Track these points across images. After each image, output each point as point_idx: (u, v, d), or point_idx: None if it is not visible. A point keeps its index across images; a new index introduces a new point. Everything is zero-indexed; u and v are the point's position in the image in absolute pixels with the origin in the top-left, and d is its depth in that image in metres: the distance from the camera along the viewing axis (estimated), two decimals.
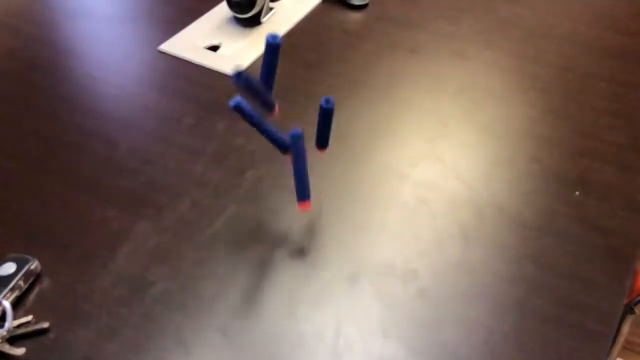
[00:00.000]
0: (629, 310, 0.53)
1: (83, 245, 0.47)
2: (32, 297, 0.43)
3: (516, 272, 0.46)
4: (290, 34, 0.72)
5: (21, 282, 0.43)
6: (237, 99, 0.43)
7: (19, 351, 0.40)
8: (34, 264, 0.44)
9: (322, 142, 0.48)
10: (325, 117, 0.46)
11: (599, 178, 0.53)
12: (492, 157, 0.56)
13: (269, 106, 0.47)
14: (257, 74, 0.65)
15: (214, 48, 0.69)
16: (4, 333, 0.40)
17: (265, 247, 0.47)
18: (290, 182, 0.52)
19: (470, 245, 0.48)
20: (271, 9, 0.75)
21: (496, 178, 0.53)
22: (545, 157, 0.55)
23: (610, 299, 0.44)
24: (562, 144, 0.57)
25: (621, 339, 0.50)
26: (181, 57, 0.67)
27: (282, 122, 0.59)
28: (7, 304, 0.41)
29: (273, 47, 0.43)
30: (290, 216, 0.50)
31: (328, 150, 0.50)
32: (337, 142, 0.57)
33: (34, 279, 0.44)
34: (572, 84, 0.65)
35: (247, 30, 0.72)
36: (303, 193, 0.46)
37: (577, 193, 0.52)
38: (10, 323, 0.40)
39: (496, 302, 0.44)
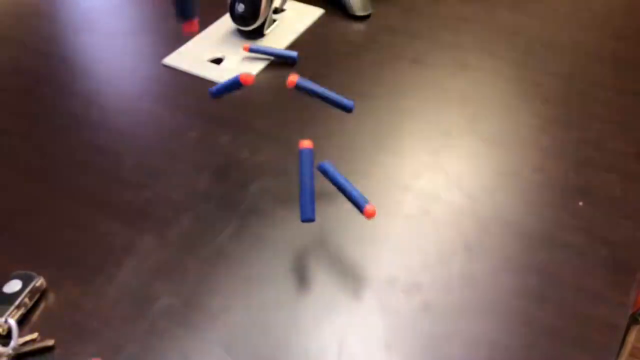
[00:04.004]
0: (634, 320, 0.53)
1: (88, 260, 0.48)
2: (37, 314, 0.44)
3: (520, 284, 0.46)
4: (293, 45, 0.72)
5: (27, 300, 0.43)
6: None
7: None
8: (39, 281, 0.44)
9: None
10: None
11: (603, 188, 0.53)
12: (495, 168, 0.56)
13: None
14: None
15: (218, 61, 0.69)
16: (10, 351, 0.40)
17: (269, 262, 0.48)
18: (293, 195, 0.53)
19: (473, 258, 0.48)
20: (274, 20, 0.75)
21: (500, 189, 0.53)
22: (548, 167, 0.55)
23: (616, 310, 0.44)
24: (566, 153, 0.57)
25: (627, 350, 0.50)
26: (185, 71, 0.68)
27: (284, 132, 0.59)
28: (12, 322, 0.41)
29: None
30: (294, 230, 0.50)
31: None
32: (340, 153, 0.57)
33: (39, 296, 0.44)
34: (575, 92, 0.64)
35: (251, 43, 0.72)
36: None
37: (580, 203, 0.52)
38: (15, 341, 0.41)
39: (500, 314, 0.44)
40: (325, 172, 0.46)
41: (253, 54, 0.70)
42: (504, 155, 0.57)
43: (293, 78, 0.50)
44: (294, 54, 0.68)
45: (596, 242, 0.49)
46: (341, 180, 0.45)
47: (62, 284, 0.46)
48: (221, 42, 0.72)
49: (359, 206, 0.45)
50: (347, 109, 0.53)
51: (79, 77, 0.67)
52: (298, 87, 0.51)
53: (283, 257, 0.48)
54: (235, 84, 0.52)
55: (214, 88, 0.54)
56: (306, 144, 0.45)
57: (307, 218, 0.44)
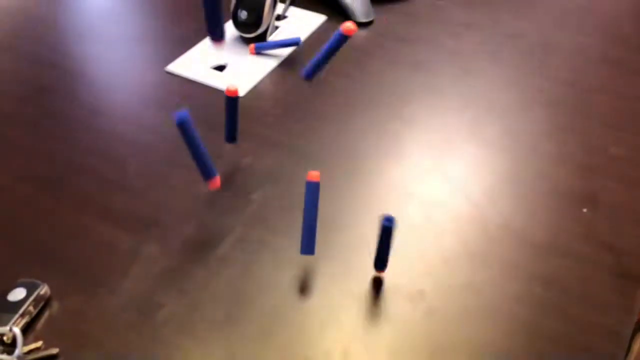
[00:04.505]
0: (639, 328, 0.53)
1: (92, 268, 0.48)
2: (41, 322, 0.44)
3: (524, 292, 0.46)
4: (296, 52, 0.72)
5: (31, 308, 0.43)
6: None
7: None
8: (44, 289, 0.44)
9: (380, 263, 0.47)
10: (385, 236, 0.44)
11: (607, 194, 0.53)
12: (498, 174, 0.56)
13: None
14: (265, 94, 0.65)
15: (221, 68, 0.70)
16: (15, 359, 0.40)
17: (272, 269, 0.48)
18: (296, 202, 0.53)
19: (477, 265, 0.48)
20: (277, 27, 0.76)
21: (503, 195, 0.53)
22: (552, 174, 0.55)
23: (621, 318, 0.44)
24: (569, 159, 0.57)
25: (632, 358, 0.50)
26: (188, 78, 0.68)
27: (287, 138, 0.59)
28: (17, 330, 0.41)
29: None
30: (298, 237, 0.50)
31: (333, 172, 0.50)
32: (342, 162, 0.57)
33: (43, 304, 0.44)
34: (577, 98, 0.64)
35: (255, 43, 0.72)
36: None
37: (584, 210, 0.52)
38: (20, 349, 0.41)
39: (504, 322, 0.44)
40: (385, 232, 0.44)
41: (255, 61, 0.70)
42: (506, 161, 0.57)
43: (351, 27, 0.46)
44: (297, 38, 0.70)
45: (601, 249, 0.49)
46: (388, 247, 0.44)
47: (66, 292, 0.46)
48: (224, 49, 0.72)
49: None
50: (307, 77, 0.52)
51: (81, 85, 0.68)
52: (342, 38, 0.47)
53: (286, 264, 0.48)
54: (230, 107, 0.53)
55: (225, 134, 0.56)
56: (314, 176, 0.45)
57: (306, 252, 0.45)
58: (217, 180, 0.49)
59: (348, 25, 0.46)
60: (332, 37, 0.48)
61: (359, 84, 0.67)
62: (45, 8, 0.81)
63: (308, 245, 0.45)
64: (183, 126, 0.46)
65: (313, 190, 0.45)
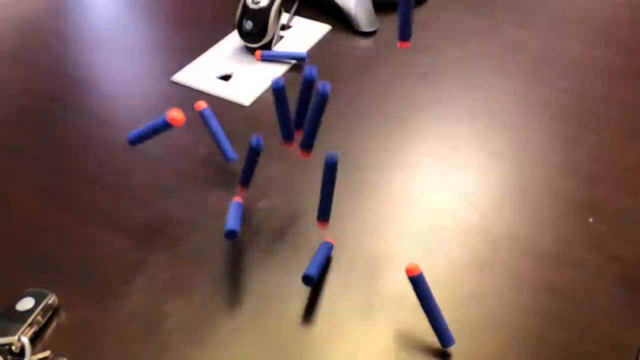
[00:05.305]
0: None
1: (99, 278, 0.48)
2: (49, 331, 0.44)
3: (531, 303, 0.46)
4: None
5: (39, 317, 0.43)
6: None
7: None
8: (52, 299, 0.45)
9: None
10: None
11: (613, 204, 0.53)
12: (504, 185, 0.56)
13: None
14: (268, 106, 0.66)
15: (226, 77, 0.70)
16: None
17: (279, 279, 0.48)
18: (303, 211, 0.53)
19: (484, 275, 0.48)
20: (282, 37, 0.76)
21: (509, 206, 0.53)
22: (558, 184, 0.55)
23: (628, 329, 0.44)
24: (575, 169, 0.57)
25: None
26: (194, 87, 0.68)
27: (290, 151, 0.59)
28: (25, 339, 0.41)
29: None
30: (304, 247, 0.50)
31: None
32: (347, 171, 0.57)
33: (51, 313, 0.45)
34: (582, 108, 0.65)
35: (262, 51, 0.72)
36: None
37: (590, 220, 0.52)
38: (28, 359, 0.41)
39: (511, 333, 0.44)
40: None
41: (260, 71, 0.71)
42: (512, 171, 0.57)
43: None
44: (303, 54, 0.71)
45: (607, 259, 0.49)
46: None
47: (74, 302, 0.46)
48: (229, 59, 0.73)
49: None
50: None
51: (88, 95, 0.68)
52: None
53: (293, 274, 0.48)
54: (161, 127, 0.49)
55: (133, 135, 0.51)
56: (330, 240, 0.49)
57: (309, 275, 0.45)
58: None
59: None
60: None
61: (364, 93, 0.67)
62: (52, 18, 0.82)
63: (312, 270, 0.46)
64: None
65: (327, 249, 0.48)
